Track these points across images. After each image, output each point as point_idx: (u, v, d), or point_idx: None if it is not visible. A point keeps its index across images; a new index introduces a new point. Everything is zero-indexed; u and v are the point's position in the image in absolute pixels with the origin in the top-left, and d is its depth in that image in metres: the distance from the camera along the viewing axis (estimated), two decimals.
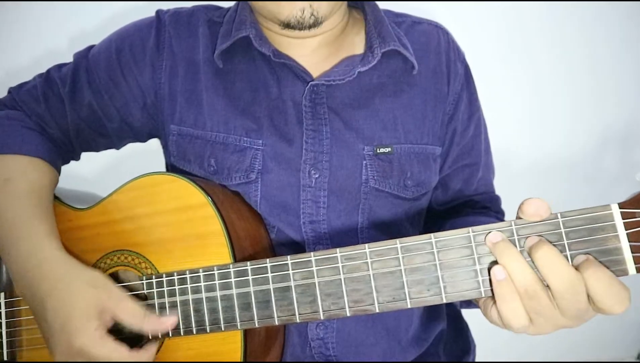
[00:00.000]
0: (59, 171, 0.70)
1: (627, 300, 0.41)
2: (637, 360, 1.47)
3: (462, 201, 0.76)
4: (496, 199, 0.78)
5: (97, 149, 0.76)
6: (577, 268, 0.43)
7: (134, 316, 0.54)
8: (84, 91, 0.69)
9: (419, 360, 0.69)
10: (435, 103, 0.70)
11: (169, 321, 0.55)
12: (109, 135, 0.73)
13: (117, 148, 0.78)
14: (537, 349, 1.39)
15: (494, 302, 0.45)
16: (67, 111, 0.70)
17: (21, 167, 0.64)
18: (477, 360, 0.76)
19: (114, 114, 0.70)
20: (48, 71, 0.72)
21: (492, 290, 0.45)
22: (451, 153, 0.73)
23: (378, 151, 0.66)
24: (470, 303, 0.69)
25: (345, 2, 0.69)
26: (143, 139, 0.76)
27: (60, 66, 0.72)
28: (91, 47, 0.72)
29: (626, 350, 1.48)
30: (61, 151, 0.71)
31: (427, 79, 0.69)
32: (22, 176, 0.63)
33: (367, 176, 0.65)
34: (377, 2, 0.72)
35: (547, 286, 0.43)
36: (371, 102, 0.67)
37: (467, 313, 0.78)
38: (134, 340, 0.60)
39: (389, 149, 0.66)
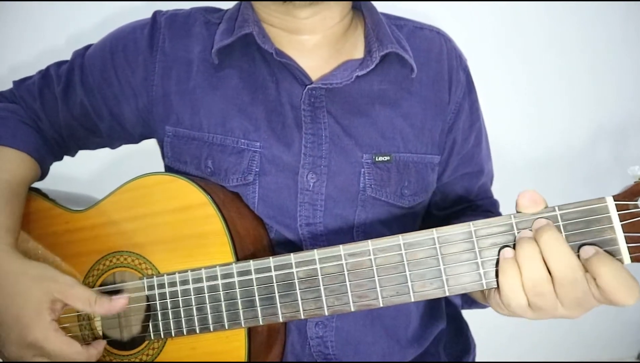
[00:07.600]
0: (46, 168, 0.71)
1: (637, 292, 0.42)
2: (637, 360, 1.48)
3: (464, 207, 0.76)
4: (495, 204, 0.79)
5: (90, 147, 0.77)
6: (586, 261, 0.44)
7: (84, 302, 0.55)
8: (77, 90, 0.70)
9: (418, 359, 0.69)
10: (436, 112, 0.69)
11: (120, 302, 0.56)
12: (101, 134, 0.73)
13: (112, 148, 0.77)
14: (537, 349, 1.39)
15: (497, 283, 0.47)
16: (59, 108, 0.70)
17: (7, 159, 0.64)
18: (477, 360, 0.77)
19: (106, 114, 0.70)
20: (47, 68, 0.73)
21: (496, 270, 0.47)
22: (451, 162, 0.73)
23: (376, 160, 0.66)
24: (472, 304, 0.70)
25: (350, 3, 0.69)
26: (135, 140, 0.75)
27: (59, 64, 0.73)
28: (89, 46, 0.73)
29: (626, 350, 1.48)
30: (53, 148, 0.72)
31: (427, 87, 0.69)
32: (6, 168, 0.63)
33: (364, 184, 0.65)
34: (376, 3, 0.72)
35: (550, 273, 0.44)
36: (371, 110, 0.67)
37: (467, 313, 0.79)
38: (132, 342, 0.60)
39: (388, 157, 0.66)
